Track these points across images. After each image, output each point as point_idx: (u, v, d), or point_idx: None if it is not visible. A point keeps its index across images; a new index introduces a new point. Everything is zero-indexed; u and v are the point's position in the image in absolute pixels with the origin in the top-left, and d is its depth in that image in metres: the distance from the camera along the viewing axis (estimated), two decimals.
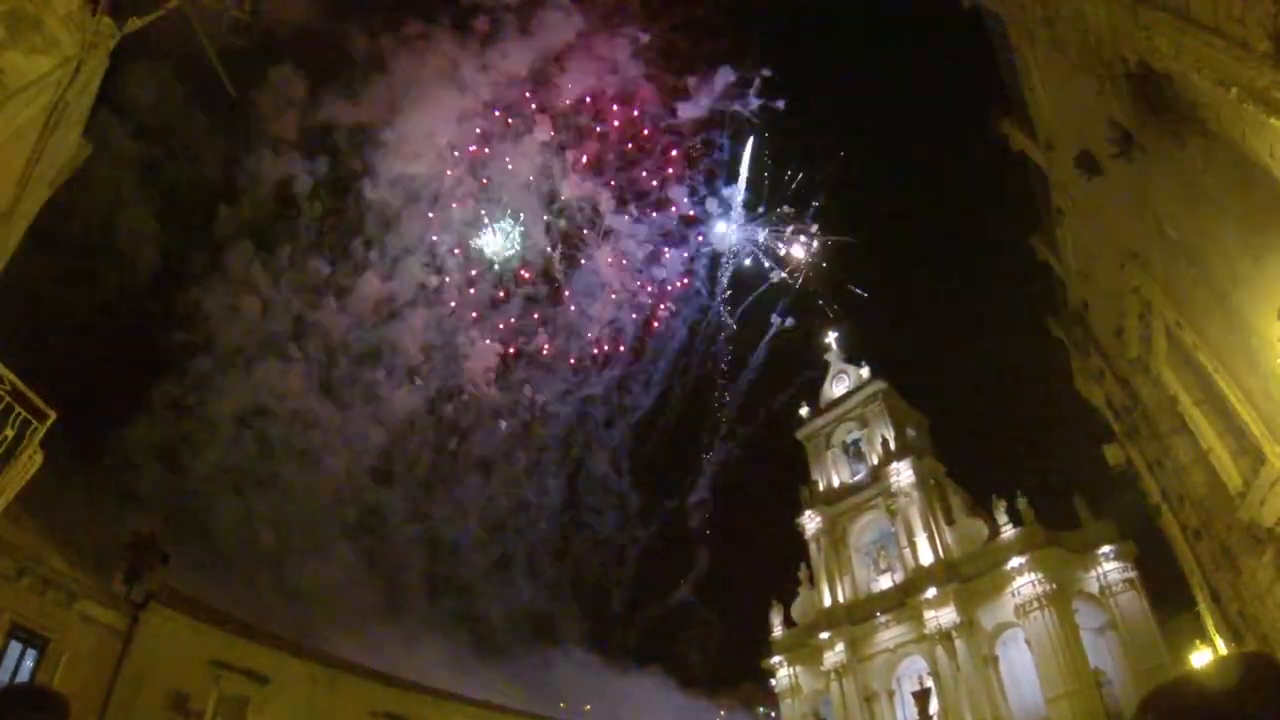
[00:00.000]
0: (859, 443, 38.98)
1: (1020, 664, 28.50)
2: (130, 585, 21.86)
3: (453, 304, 64.46)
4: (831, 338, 44.16)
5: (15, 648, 17.02)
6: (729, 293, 63.49)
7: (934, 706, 26.95)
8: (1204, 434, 10.53)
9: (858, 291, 54.57)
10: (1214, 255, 9.02)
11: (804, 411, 42.07)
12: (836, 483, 38.65)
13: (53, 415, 15.60)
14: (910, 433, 36.70)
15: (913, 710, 26.64)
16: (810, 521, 37.79)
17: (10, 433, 14.57)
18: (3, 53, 9.86)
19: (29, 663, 17.17)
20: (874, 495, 36.03)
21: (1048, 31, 9.83)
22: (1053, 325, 18.41)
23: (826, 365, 43.49)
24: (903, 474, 34.53)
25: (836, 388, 41.70)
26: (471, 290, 64.38)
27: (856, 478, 38.00)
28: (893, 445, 35.91)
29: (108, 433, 52.82)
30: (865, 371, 40.45)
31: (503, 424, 67.15)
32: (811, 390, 43.69)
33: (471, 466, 67.86)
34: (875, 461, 36.66)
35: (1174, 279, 10.38)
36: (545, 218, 58.06)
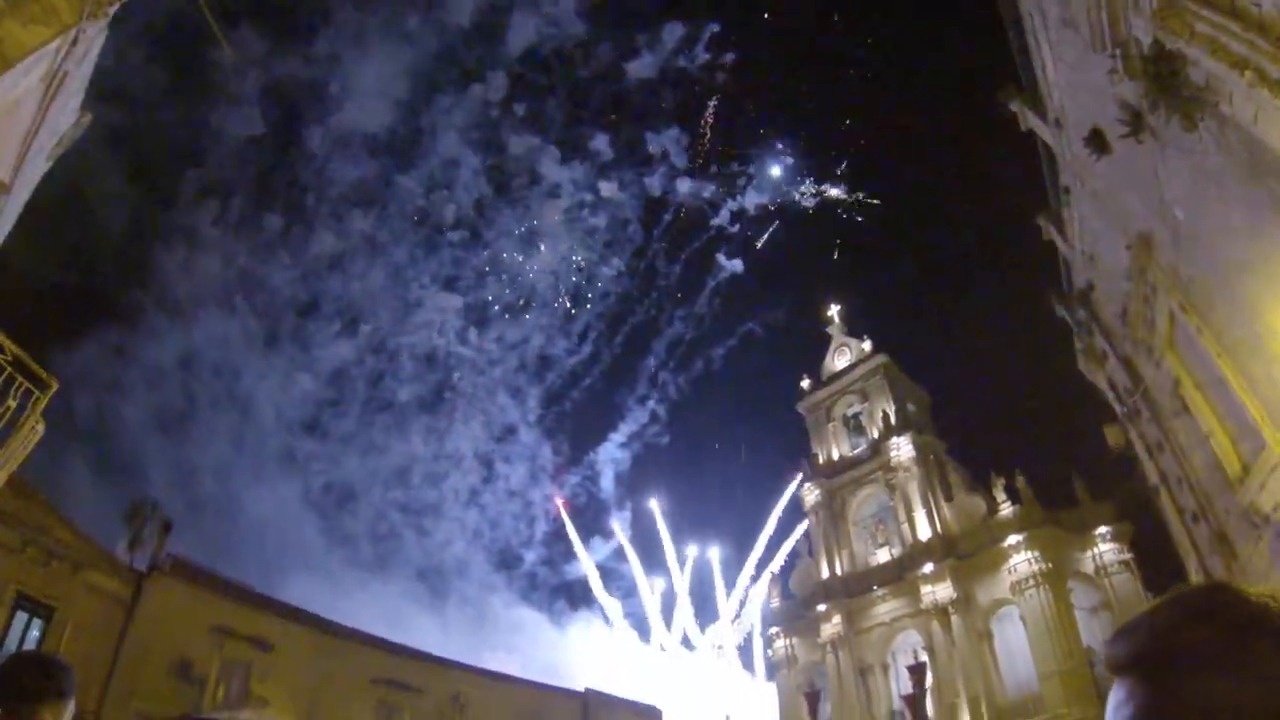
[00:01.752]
0: (859, 416, 39.05)
1: (1014, 640, 28.82)
2: (134, 553, 22.14)
3: (399, 254, 65.39)
4: (834, 310, 44.00)
5: (21, 618, 17.26)
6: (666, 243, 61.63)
7: (928, 680, 27.30)
8: (1205, 418, 10.49)
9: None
10: (1221, 239, 8.93)
11: (805, 384, 42.08)
12: (837, 455, 38.79)
13: (55, 385, 15.65)
14: (911, 408, 36.77)
15: (907, 683, 27.00)
16: (810, 494, 38.00)
17: (12, 403, 14.61)
18: (1, 22, 9.69)
19: (35, 632, 17.42)
20: (873, 469, 36.20)
21: (1059, 8, 9.63)
22: (1056, 305, 18.28)
23: (828, 338, 43.41)
24: (903, 449, 34.65)
25: (838, 360, 41.66)
26: (418, 241, 65.22)
27: (856, 451, 38.13)
28: (893, 420, 35.99)
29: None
30: (867, 345, 40.37)
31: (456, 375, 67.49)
32: (798, 358, 43.68)
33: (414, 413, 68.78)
34: (875, 435, 36.78)
35: (1181, 262, 10.29)
36: (488, 165, 57.66)
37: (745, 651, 52.36)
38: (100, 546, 19.99)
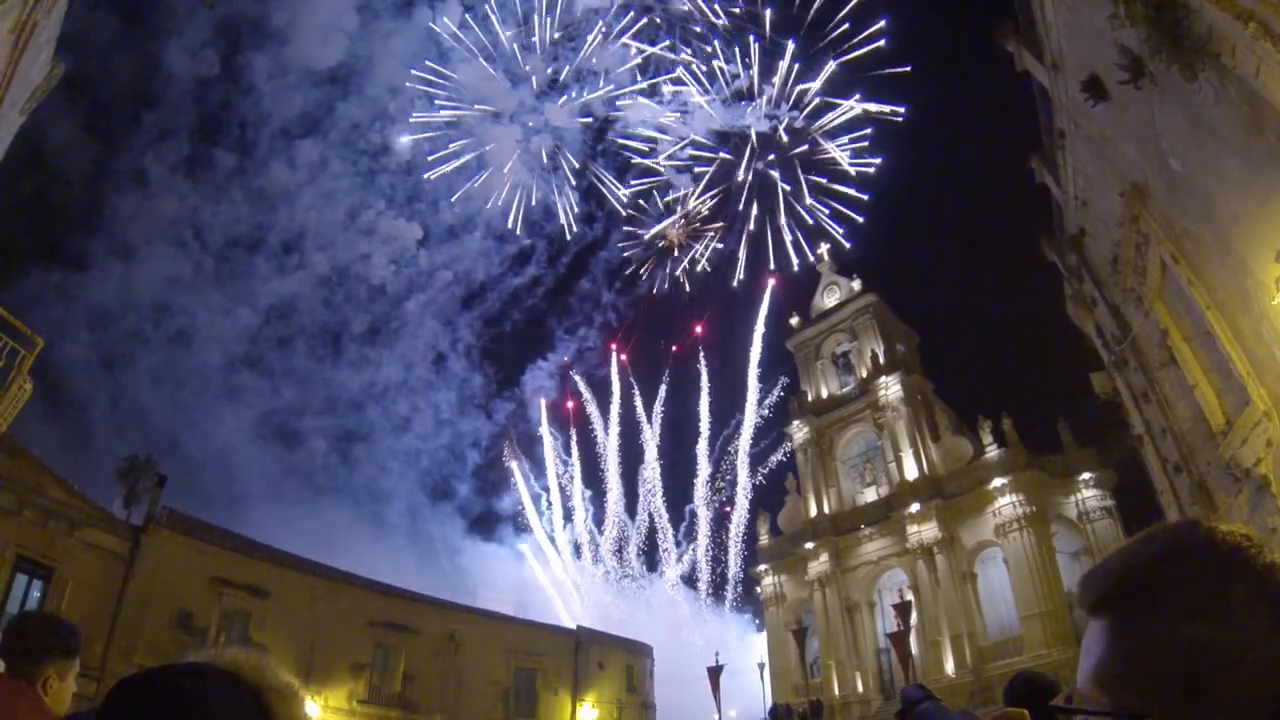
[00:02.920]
0: (848, 355, 39.17)
1: (997, 582, 29.61)
2: (130, 509, 22.25)
3: (348, 186, 65.00)
4: (824, 249, 43.78)
5: (21, 579, 17.38)
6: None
7: (913, 619, 28.10)
8: (1192, 370, 10.55)
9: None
10: (1216, 192, 8.81)
11: (794, 321, 42.12)
12: (825, 394, 39.03)
13: (40, 342, 15.41)
14: (900, 348, 36.84)
15: (893, 621, 27.79)
16: (798, 431, 38.35)
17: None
18: None
19: (35, 593, 17.59)
20: (862, 408, 36.46)
21: None
22: (1046, 249, 18.17)
23: (817, 276, 43.26)
24: (891, 388, 34.87)
25: (827, 299, 41.56)
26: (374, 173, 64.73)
27: (845, 389, 38.35)
28: (882, 359, 36.11)
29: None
30: (856, 284, 40.24)
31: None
32: None
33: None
34: (864, 374, 36.95)
35: (1174, 213, 10.18)
36: (439, 96, 56.21)
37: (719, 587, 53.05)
38: (96, 504, 20.06)
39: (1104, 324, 14.86)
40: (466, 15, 51.82)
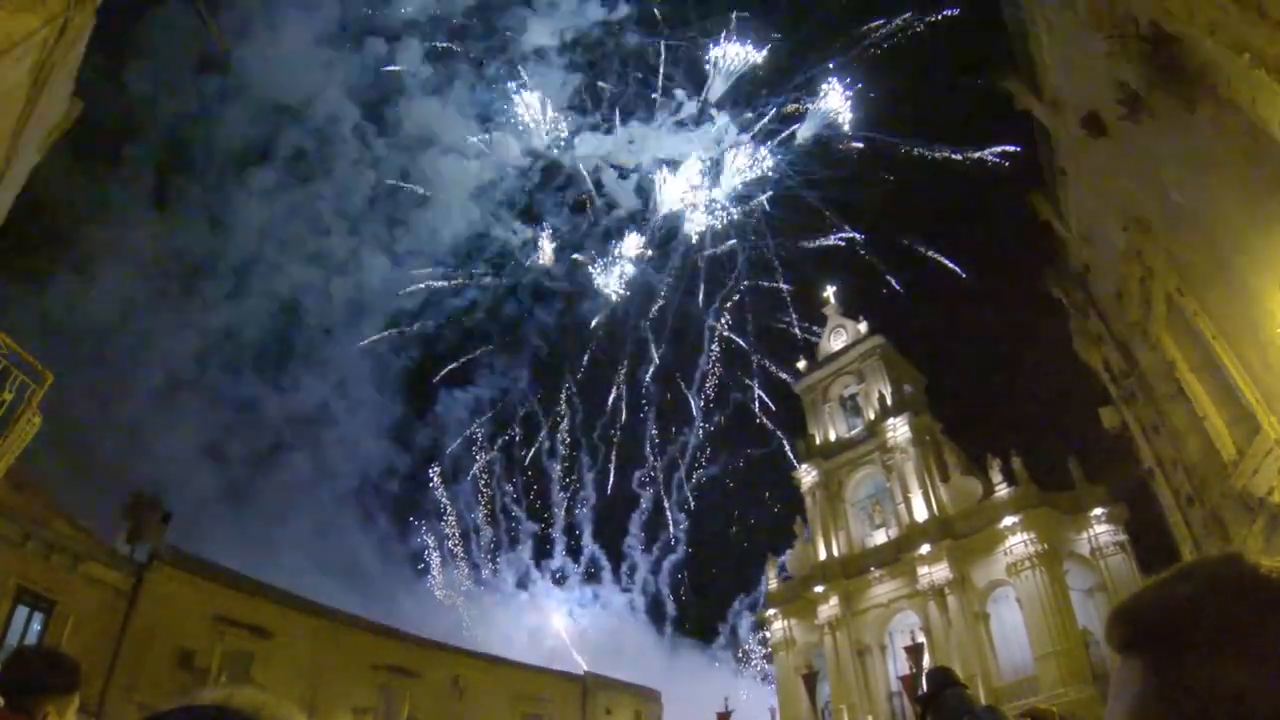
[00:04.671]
0: (856, 397, 39.04)
1: (1010, 622, 28.99)
2: (133, 546, 22.16)
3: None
4: (830, 291, 43.96)
5: (23, 611, 17.25)
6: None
7: (925, 661, 27.51)
8: (1200, 401, 10.51)
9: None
10: (1218, 223, 8.90)
11: (801, 364, 42.17)
12: (833, 436, 38.85)
13: (50, 377, 15.55)
14: (907, 389, 36.77)
15: (904, 664, 27.21)
16: (807, 474, 38.08)
17: (8, 396, 14.50)
18: None
19: (36, 625, 17.43)
20: (870, 450, 36.21)
21: None
22: (1052, 286, 18.27)
23: (824, 318, 43.39)
24: (899, 429, 34.69)
25: (834, 341, 41.66)
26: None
27: (853, 432, 38.15)
28: (889, 401, 36.01)
29: None
30: (863, 326, 40.37)
31: None
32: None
33: None
34: (872, 416, 36.79)
35: (1177, 245, 10.26)
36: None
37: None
38: (99, 539, 20.00)
39: (1111, 358, 14.85)
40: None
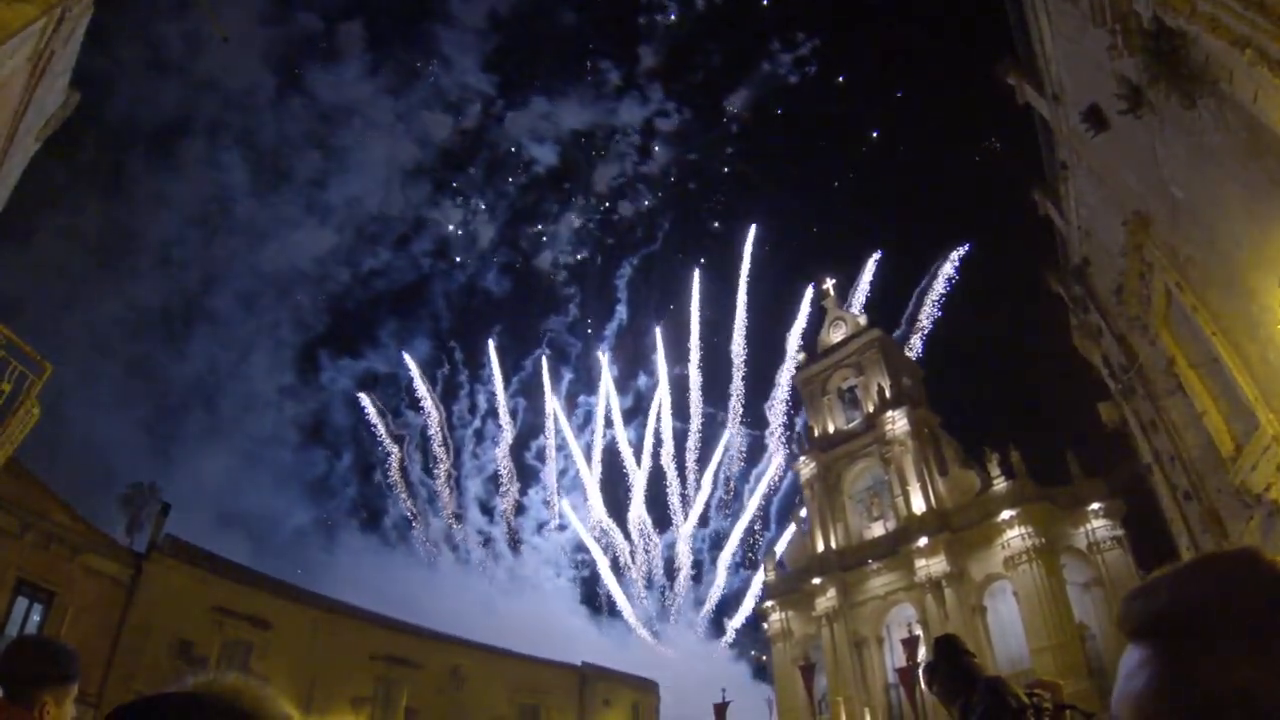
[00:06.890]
0: (855, 390, 39.09)
1: (1007, 615, 29.11)
2: (132, 536, 22.19)
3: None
4: (829, 284, 44.01)
5: (22, 602, 17.30)
6: None
7: (922, 653, 27.61)
8: (1199, 397, 10.51)
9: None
10: (1219, 218, 8.87)
11: (800, 356, 42.22)
12: (832, 429, 38.92)
13: (49, 368, 15.52)
14: (906, 382, 36.85)
15: (901, 657, 27.32)
16: (805, 467, 38.16)
17: (7, 387, 14.48)
18: None
19: (36, 616, 17.48)
20: (869, 443, 36.29)
21: None
22: (1051, 280, 18.25)
23: (823, 311, 43.45)
24: (897, 422, 34.74)
25: (833, 334, 41.70)
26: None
27: (852, 424, 38.23)
28: (888, 393, 36.05)
29: None
30: (862, 319, 40.41)
31: None
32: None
33: None
34: (870, 409, 36.84)
35: (1177, 240, 10.24)
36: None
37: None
38: (99, 530, 20.02)
39: (1110, 353, 14.85)
40: None
